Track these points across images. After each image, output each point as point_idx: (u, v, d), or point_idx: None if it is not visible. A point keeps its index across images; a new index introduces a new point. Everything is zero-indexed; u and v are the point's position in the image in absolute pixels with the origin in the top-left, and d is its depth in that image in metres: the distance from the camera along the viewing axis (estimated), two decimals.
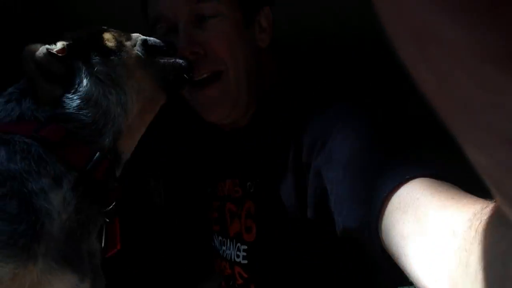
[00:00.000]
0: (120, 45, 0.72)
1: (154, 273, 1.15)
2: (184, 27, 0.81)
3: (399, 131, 0.68)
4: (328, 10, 1.20)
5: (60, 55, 0.65)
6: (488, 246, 0.34)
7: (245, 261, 0.85)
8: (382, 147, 0.64)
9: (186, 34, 0.80)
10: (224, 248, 0.92)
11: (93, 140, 0.65)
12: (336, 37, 1.30)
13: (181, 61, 0.76)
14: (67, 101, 0.65)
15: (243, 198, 0.87)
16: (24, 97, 0.64)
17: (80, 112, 0.65)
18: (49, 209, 0.57)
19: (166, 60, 0.75)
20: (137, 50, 0.73)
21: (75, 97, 0.65)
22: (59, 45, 0.66)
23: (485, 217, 0.36)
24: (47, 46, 0.65)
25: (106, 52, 0.70)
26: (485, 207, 0.38)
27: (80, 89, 0.66)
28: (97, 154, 0.64)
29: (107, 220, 0.67)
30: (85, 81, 0.66)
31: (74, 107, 0.64)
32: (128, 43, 0.73)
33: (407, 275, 0.51)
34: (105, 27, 0.74)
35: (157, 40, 0.77)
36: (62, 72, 0.65)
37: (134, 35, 0.75)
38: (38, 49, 0.64)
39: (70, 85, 0.66)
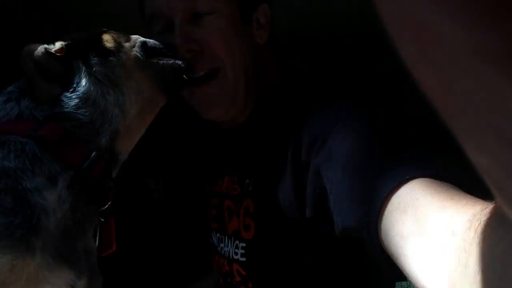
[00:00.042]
0: (119, 46, 0.72)
1: (152, 269, 1.15)
2: (180, 25, 0.80)
3: (399, 131, 0.68)
4: (328, 8, 1.20)
5: (58, 54, 0.66)
6: (488, 247, 0.34)
7: (243, 259, 0.85)
8: (382, 147, 0.64)
9: (182, 31, 0.80)
10: (222, 245, 0.92)
11: (90, 139, 0.65)
12: (335, 36, 1.30)
13: (180, 62, 0.76)
14: (65, 100, 0.65)
15: (242, 196, 0.87)
16: (23, 96, 0.64)
17: (78, 111, 0.65)
18: (44, 205, 0.57)
19: (165, 62, 0.75)
20: (136, 51, 0.73)
21: (73, 96, 0.66)
22: (58, 45, 0.67)
23: (485, 218, 0.36)
24: (45, 45, 0.65)
25: (104, 52, 0.70)
26: (485, 208, 0.38)
27: (79, 88, 0.66)
28: (93, 153, 0.64)
29: (102, 219, 0.67)
30: (83, 81, 0.67)
31: (72, 106, 0.65)
32: (127, 44, 0.73)
33: (406, 275, 0.51)
34: (105, 29, 0.74)
35: (157, 42, 0.77)
36: (60, 71, 0.66)
37: (134, 36, 0.76)
38: (36, 49, 0.64)
39: (68, 85, 0.66)
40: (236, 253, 0.86)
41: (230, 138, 0.94)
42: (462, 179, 0.51)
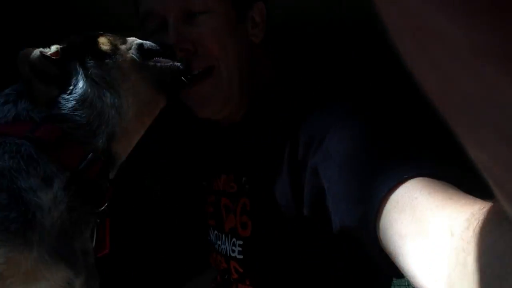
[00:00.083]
0: (115, 48, 0.72)
1: (150, 267, 1.15)
2: (174, 24, 0.80)
3: (397, 129, 0.68)
4: (327, 6, 1.20)
5: (54, 58, 0.66)
6: (486, 246, 0.34)
7: (241, 256, 0.85)
8: (380, 146, 0.64)
9: (175, 31, 0.80)
10: (219, 242, 0.92)
11: (87, 141, 0.66)
12: (334, 35, 1.30)
13: (178, 63, 0.76)
14: (62, 101, 0.66)
15: (238, 194, 0.87)
16: (21, 98, 0.65)
17: (75, 113, 0.66)
18: (39, 203, 0.58)
19: (163, 64, 0.75)
20: (132, 53, 0.74)
21: (70, 98, 0.66)
22: (53, 48, 0.68)
23: (483, 218, 0.36)
24: (41, 49, 0.66)
25: (101, 55, 0.71)
26: (483, 208, 0.38)
27: (76, 90, 0.67)
28: (90, 155, 0.65)
29: (99, 220, 0.67)
30: (80, 83, 0.68)
31: (69, 108, 0.66)
32: (123, 47, 0.74)
33: (404, 274, 0.51)
34: (102, 32, 0.75)
35: (153, 44, 0.77)
36: (56, 73, 0.67)
37: (130, 39, 0.76)
38: (32, 52, 0.65)
39: (65, 87, 0.67)
40: (233, 251, 0.86)
41: (226, 136, 0.95)
42: (461, 178, 0.51)
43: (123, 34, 0.77)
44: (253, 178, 0.85)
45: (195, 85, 0.82)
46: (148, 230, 1.16)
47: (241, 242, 0.85)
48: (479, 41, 0.15)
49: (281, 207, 0.79)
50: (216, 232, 0.94)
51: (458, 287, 0.38)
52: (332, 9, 1.21)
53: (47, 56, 0.66)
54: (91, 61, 0.70)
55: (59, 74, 0.67)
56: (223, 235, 0.90)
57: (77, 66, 0.69)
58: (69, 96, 0.66)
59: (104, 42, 0.72)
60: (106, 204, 0.67)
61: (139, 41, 0.76)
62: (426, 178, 0.53)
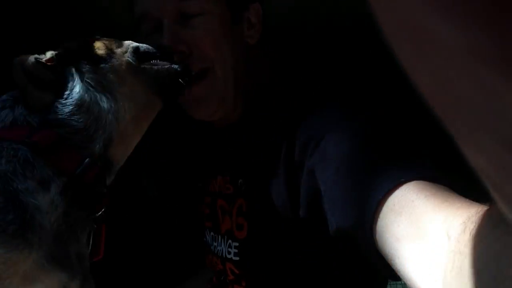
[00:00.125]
0: (110, 52, 0.72)
1: (145, 267, 1.15)
2: (169, 26, 0.80)
3: (396, 133, 0.68)
4: (327, 5, 1.20)
5: (49, 64, 0.67)
6: (482, 249, 0.34)
7: (237, 258, 0.85)
8: (378, 148, 0.64)
9: (170, 32, 0.80)
10: (215, 244, 0.92)
11: (84, 145, 0.66)
12: (333, 34, 1.30)
13: (176, 66, 0.76)
14: (60, 106, 0.66)
15: (235, 196, 0.87)
16: (17, 104, 0.65)
17: (72, 118, 0.66)
18: (37, 205, 0.58)
19: (160, 66, 0.75)
20: (128, 57, 0.73)
21: (67, 103, 0.66)
22: (48, 54, 0.68)
23: (479, 221, 0.36)
24: (36, 55, 0.66)
25: (96, 60, 0.71)
26: (480, 211, 0.38)
27: (73, 95, 0.67)
28: (87, 160, 0.65)
29: (95, 226, 0.68)
30: (77, 88, 0.68)
31: (66, 113, 0.66)
32: (118, 51, 0.73)
33: (400, 277, 0.51)
34: (98, 36, 0.75)
35: (150, 46, 0.77)
36: (51, 79, 0.67)
37: (126, 42, 0.76)
38: (27, 59, 0.65)
39: (61, 92, 0.67)
40: (229, 252, 0.86)
41: (223, 137, 0.95)
42: (458, 181, 0.51)
43: (122, 34, 0.77)
44: (249, 179, 0.85)
45: (190, 87, 0.82)
46: (144, 231, 1.16)
47: (237, 244, 0.85)
48: (476, 43, 0.15)
49: (277, 208, 0.79)
50: (212, 233, 0.93)
51: None
52: (332, 9, 1.21)
53: (42, 63, 0.66)
54: (87, 65, 0.70)
55: (54, 80, 0.67)
56: (219, 237, 0.90)
57: (73, 71, 0.69)
58: (66, 101, 0.66)
59: (99, 47, 0.72)
60: (103, 209, 0.67)
61: (135, 44, 0.76)
62: (423, 181, 0.53)
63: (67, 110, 0.66)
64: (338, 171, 0.64)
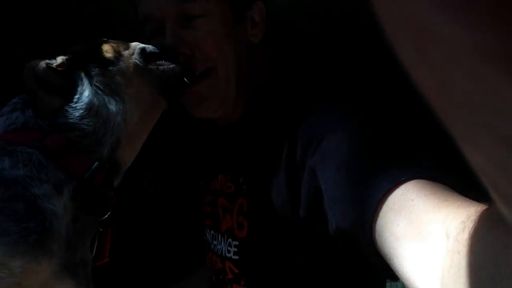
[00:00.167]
0: (118, 55, 0.73)
1: (144, 265, 1.15)
2: (171, 27, 0.81)
3: (396, 132, 0.68)
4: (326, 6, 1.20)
5: (59, 69, 0.67)
6: (481, 248, 0.34)
7: (236, 257, 0.85)
8: (379, 148, 0.64)
9: (173, 34, 0.81)
10: (215, 242, 0.92)
11: (93, 149, 0.67)
12: (334, 34, 1.30)
13: (180, 66, 0.77)
14: (70, 110, 0.67)
15: (235, 194, 0.87)
16: (27, 107, 0.66)
17: (82, 122, 0.66)
18: (54, 210, 0.58)
19: (165, 67, 0.76)
20: (135, 58, 0.74)
21: (78, 107, 0.67)
22: (59, 59, 0.68)
23: (479, 220, 0.36)
24: (47, 61, 0.67)
25: (104, 63, 0.72)
26: (479, 210, 0.38)
27: (82, 99, 0.68)
28: (95, 164, 0.65)
29: (101, 229, 0.68)
30: (86, 92, 0.68)
31: (77, 117, 0.66)
32: (126, 53, 0.74)
33: (399, 276, 0.51)
34: (105, 39, 0.76)
35: (155, 47, 0.78)
36: (61, 84, 0.67)
37: (133, 44, 0.77)
38: (39, 64, 0.66)
39: (71, 96, 0.68)
40: (229, 251, 0.86)
41: (224, 136, 0.95)
42: (457, 181, 0.51)
43: (128, 35, 0.77)
44: (250, 178, 0.85)
45: (193, 86, 0.82)
46: (144, 229, 1.16)
47: (236, 243, 0.85)
48: (479, 42, 0.15)
49: (277, 208, 0.79)
50: (212, 232, 0.94)
51: None
52: (332, 9, 1.21)
53: (53, 68, 0.67)
54: (96, 69, 0.71)
55: (63, 85, 0.68)
56: (219, 235, 0.90)
57: (82, 75, 0.70)
58: (76, 105, 0.67)
59: (107, 50, 0.73)
60: (109, 213, 0.68)
61: (142, 45, 0.77)
62: (423, 180, 0.53)
63: (77, 114, 0.66)
64: (339, 171, 0.64)
